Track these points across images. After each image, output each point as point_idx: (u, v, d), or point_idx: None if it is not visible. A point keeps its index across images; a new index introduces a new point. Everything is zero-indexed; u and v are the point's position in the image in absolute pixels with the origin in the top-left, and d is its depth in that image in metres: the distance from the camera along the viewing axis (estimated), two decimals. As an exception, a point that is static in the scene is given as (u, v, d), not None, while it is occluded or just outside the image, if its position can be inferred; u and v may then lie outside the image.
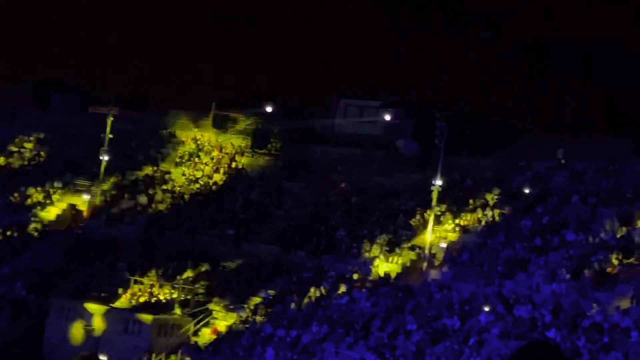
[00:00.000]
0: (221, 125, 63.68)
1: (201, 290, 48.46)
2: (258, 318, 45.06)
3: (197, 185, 59.43)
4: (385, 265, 46.86)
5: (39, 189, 59.71)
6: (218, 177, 59.83)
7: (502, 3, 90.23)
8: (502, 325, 36.78)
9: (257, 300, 47.04)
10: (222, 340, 43.98)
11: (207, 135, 63.69)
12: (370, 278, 46.03)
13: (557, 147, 53.43)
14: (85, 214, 58.18)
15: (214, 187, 59.08)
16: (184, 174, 60.75)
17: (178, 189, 59.29)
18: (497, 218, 48.07)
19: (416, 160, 57.16)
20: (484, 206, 49.61)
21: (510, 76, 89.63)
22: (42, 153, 64.72)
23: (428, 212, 47.92)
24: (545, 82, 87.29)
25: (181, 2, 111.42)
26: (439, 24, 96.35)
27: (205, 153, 62.65)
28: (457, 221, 49.00)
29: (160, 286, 49.05)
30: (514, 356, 5.12)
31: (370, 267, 47.05)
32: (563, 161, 52.76)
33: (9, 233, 55.24)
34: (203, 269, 50.27)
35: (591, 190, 47.89)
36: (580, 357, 32.07)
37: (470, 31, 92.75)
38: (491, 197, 50.43)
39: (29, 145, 65.56)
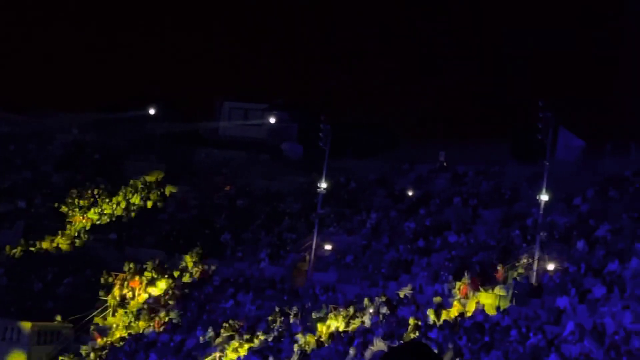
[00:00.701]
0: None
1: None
2: (141, 324, 44.34)
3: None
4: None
5: None
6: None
7: (386, 6, 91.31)
8: (386, 326, 37.10)
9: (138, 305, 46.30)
10: (104, 347, 43.07)
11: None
12: (256, 280, 45.83)
13: (439, 150, 54.42)
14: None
15: (96, 191, 57.96)
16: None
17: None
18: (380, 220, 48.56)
19: (301, 163, 57.31)
20: (369, 209, 50.03)
21: (394, 80, 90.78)
22: None
23: (313, 214, 48.01)
24: (427, 86, 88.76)
25: None
26: (324, 26, 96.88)
27: (87, 156, 61.46)
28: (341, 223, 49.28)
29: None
30: (386, 356, 5.10)
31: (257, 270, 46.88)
32: (445, 164, 53.74)
33: None
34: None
35: (472, 192, 48.87)
36: (462, 356, 32.57)
37: (354, 34, 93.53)
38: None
39: None
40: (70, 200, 57.05)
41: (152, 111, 61.99)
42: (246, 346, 38.69)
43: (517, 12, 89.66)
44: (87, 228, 54.53)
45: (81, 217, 55.95)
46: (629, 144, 48.35)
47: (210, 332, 40.30)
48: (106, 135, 61.84)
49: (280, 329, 39.43)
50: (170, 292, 46.39)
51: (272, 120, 61.49)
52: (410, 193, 50.98)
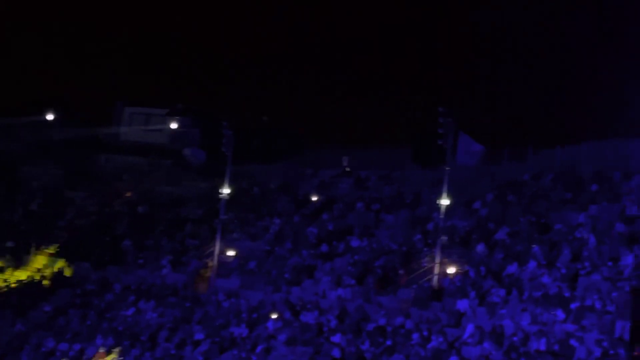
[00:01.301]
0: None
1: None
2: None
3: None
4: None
5: None
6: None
7: (287, 8, 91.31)
8: (289, 331, 37.07)
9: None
10: (1, 356, 41.95)
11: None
12: (158, 288, 45.26)
13: (342, 155, 54.71)
14: None
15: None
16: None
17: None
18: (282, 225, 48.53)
19: (204, 168, 56.86)
20: (272, 214, 49.93)
21: (297, 85, 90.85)
22: None
23: (216, 220, 47.64)
24: (331, 91, 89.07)
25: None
26: (226, 31, 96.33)
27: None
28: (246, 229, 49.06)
29: None
30: None
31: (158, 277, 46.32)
32: (348, 169, 54.04)
33: None
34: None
35: (374, 197, 49.22)
36: (364, 360, 32.78)
37: (257, 38, 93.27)
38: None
39: None
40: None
41: (49, 116, 60.67)
42: None
43: (417, 18, 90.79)
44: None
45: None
46: (526, 149, 49.30)
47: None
48: (0, 141, 60.26)
49: (182, 337, 39.03)
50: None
51: (174, 125, 60.83)
52: (313, 198, 51.09)
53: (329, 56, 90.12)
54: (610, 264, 33.45)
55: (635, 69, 47.38)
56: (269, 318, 38.71)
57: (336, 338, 35.57)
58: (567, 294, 32.78)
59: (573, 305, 32.04)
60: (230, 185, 47.37)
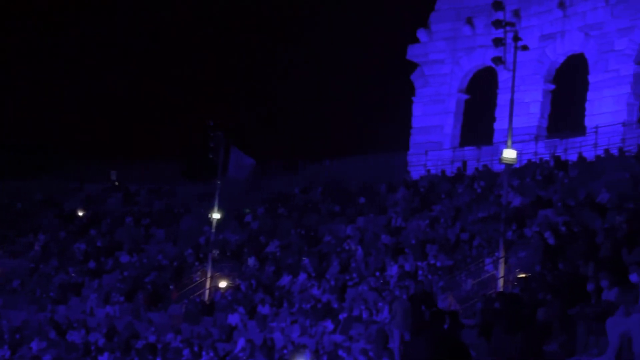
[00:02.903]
0: None
1: None
2: None
3: None
4: None
5: None
6: None
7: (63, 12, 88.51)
8: (55, 351, 35.66)
9: None
10: None
11: None
12: None
13: (110, 168, 53.46)
14: None
15: None
16: None
17: None
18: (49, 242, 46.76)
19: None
20: (36, 230, 48.03)
21: (56, 97, 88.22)
22: None
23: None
24: (94, 103, 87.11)
25: None
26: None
27: None
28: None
29: None
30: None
31: None
32: (116, 183, 52.86)
33: None
34: None
35: (144, 211, 48.40)
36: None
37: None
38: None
39: None
40: None
41: None
42: None
43: (201, 30, 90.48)
44: None
45: None
46: (296, 162, 50.10)
47: None
48: None
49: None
50: None
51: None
52: (80, 213, 49.59)
53: (92, 66, 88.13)
54: (377, 274, 34.35)
55: (394, 89, 49.34)
56: (32, 339, 37.08)
57: (104, 358, 34.53)
58: (335, 305, 33.35)
59: (341, 316, 32.62)
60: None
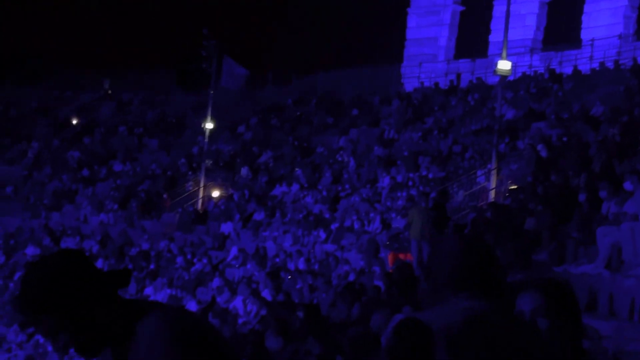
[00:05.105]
0: None
1: None
2: None
3: None
4: None
5: None
6: None
7: None
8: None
9: None
10: None
11: None
12: None
13: (103, 77, 53.20)
14: None
15: None
16: None
17: None
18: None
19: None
20: (30, 137, 48.01)
21: (50, 5, 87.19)
22: None
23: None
24: (87, 12, 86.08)
25: None
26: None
27: None
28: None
29: None
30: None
31: None
32: (110, 92, 52.68)
33: None
34: None
35: (137, 120, 48.33)
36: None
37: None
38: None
39: None
40: None
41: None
42: None
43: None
44: None
45: None
46: (289, 74, 49.89)
47: None
48: None
49: None
50: None
51: None
52: (74, 122, 49.52)
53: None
54: (368, 186, 34.55)
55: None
56: (27, 245, 37.40)
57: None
58: (327, 216, 33.60)
59: (333, 226, 32.90)
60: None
